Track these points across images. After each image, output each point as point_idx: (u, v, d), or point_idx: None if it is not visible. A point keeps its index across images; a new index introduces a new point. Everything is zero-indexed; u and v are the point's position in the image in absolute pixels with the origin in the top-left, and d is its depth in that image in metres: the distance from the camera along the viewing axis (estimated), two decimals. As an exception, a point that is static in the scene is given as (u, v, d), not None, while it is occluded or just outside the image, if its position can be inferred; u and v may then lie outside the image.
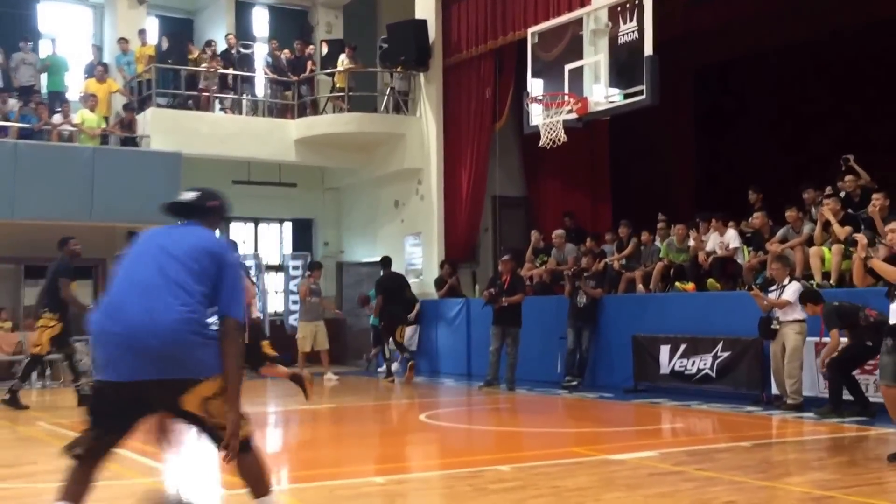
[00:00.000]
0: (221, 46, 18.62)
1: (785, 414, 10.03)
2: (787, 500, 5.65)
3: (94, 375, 4.29)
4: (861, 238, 7.13)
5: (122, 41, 17.97)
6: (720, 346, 11.72)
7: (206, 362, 4.00)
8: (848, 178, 12.32)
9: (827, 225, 11.54)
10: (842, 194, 12.14)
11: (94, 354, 4.23)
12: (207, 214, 4.44)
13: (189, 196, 4.49)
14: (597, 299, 13.48)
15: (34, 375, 15.26)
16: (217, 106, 17.84)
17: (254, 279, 17.87)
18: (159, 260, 4.09)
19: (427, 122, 17.87)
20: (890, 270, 6.92)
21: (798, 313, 10.43)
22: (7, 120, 16.16)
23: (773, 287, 10.77)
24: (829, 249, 11.33)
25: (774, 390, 10.98)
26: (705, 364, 11.83)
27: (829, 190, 12.54)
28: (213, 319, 4.11)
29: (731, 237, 12.83)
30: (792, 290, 10.50)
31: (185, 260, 4.09)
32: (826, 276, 11.26)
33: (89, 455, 4.11)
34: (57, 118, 16.44)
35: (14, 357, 15.67)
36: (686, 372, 12.12)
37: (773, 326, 10.59)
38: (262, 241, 20.50)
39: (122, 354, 3.95)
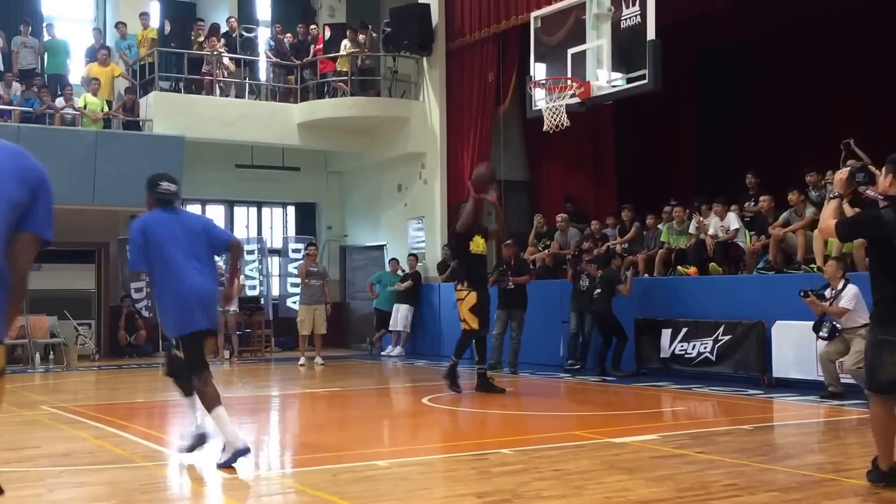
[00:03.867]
0: (223, 30, 18.59)
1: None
2: (788, 483, 5.67)
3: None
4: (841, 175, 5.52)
5: (121, 25, 17.93)
6: (721, 329, 11.75)
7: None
8: (850, 161, 12.29)
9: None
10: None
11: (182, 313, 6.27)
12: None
13: (175, 188, 6.55)
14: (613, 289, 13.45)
15: (38, 358, 15.35)
16: (219, 89, 17.81)
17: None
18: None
19: (430, 106, 17.85)
20: (825, 215, 5.52)
21: (862, 317, 9.45)
22: (10, 104, 16.16)
23: (828, 289, 9.99)
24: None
25: (776, 373, 11.02)
26: (706, 348, 11.86)
27: (830, 175, 12.52)
28: None
29: (732, 220, 12.83)
30: (850, 295, 9.75)
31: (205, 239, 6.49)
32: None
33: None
34: (59, 102, 16.44)
35: (17, 341, 15.65)
36: (686, 355, 12.16)
37: (823, 333, 9.87)
38: (266, 225, 20.52)
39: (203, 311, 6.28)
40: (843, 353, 9.84)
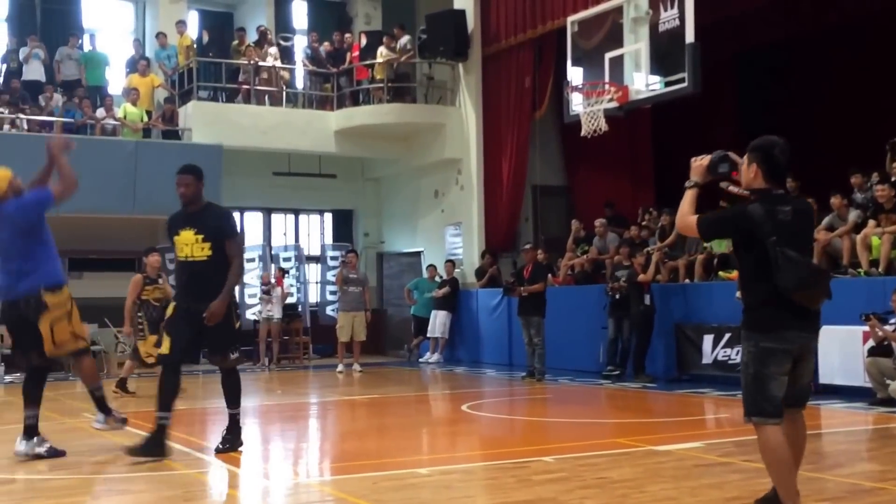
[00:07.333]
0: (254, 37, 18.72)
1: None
2: (837, 492, 5.56)
3: None
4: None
5: (161, 35, 18.12)
6: (765, 335, 11.54)
7: None
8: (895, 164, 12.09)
9: (878, 211, 11.30)
10: (893, 179, 11.89)
11: None
12: None
13: None
14: (640, 289, 13.31)
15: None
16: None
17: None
18: None
19: (466, 112, 17.82)
20: (683, 210, 4.90)
21: None
22: (51, 114, 16.36)
23: (893, 317, 9.76)
24: (879, 237, 11.12)
25: (821, 380, 10.80)
26: (749, 354, 11.67)
27: (875, 177, 12.30)
28: None
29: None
30: None
31: None
32: (874, 263, 11.06)
33: None
34: (100, 112, 16.62)
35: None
36: (729, 361, 11.98)
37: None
38: (303, 233, 20.60)
39: None
40: (891, 372, 9.57)
